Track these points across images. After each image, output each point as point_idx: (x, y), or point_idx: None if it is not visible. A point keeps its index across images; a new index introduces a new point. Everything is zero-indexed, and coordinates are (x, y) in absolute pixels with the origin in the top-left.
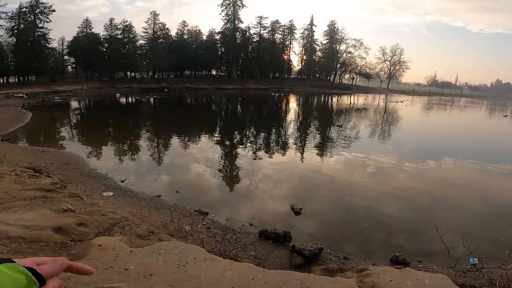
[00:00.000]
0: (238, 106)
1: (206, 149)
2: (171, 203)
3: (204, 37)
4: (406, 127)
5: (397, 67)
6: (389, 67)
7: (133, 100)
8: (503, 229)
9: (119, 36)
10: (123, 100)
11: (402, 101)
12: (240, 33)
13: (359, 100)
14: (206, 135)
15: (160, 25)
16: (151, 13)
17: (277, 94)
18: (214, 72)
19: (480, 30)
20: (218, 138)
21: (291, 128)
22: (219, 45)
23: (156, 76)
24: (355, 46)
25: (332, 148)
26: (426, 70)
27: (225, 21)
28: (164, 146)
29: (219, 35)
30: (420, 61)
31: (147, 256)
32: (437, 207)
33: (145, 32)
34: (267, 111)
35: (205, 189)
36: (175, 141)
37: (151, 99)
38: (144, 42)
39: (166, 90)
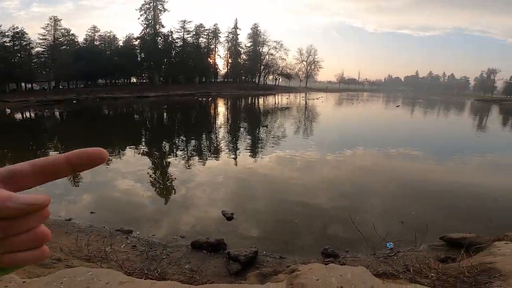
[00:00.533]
0: (164, 114)
1: (132, 162)
2: (85, 225)
3: (121, 43)
4: (324, 122)
5: (313, 67)
6: (306, 67)
7: (31, 115)
8: (412, 209)
9: (8, 44)
10: (18, 116)
11: (318, 98)
12: (162, 38)
13: (282, 99)
14: (131, 148)
15: (63, 30)
16: (50, 18)
17: (204, 99)
18: (134, 80)
19: (375, 30)
20: (145, 149)
21: (221, 133)
22: (138, 51)
23: (60, 87)
24: (276, 48)
25: (262, 148)
26: (336, 69)
27: (145, 25)
28: None
29: (138, 40)
30: (331, 60)
31: (44, 286)
32: (357, 194)
33: (42, 39)
34: (196, 117)
35: (128, 205)
36: None
37: (56, 113)
38: (42, 49)
39: (74, 101)
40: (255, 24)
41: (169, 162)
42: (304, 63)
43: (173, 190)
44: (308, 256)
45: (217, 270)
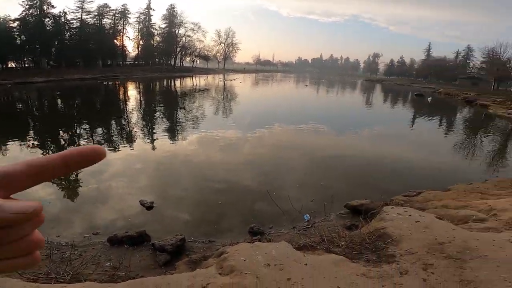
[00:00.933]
0: (58, 101)
1: (22, 157)
2: None
3: None
4: (242, 102)
5: (231, 49)
6: (224, 48)
7: None
8: (322, 181)
9: None
10: None
11: (235, 79)
12: (51, 19)
13: (200, 81)
14: (17, 142)
15: None
16: None
17: (111, 83)
18: (13, 65)
19: (288, 14)
20: (37, 142)
21: (134, 117)
22: (17, 33)
23: None
24: (193, 29)
25: (181, 131)
26: (253, 51)
27: (27, 6)
28: None
29: (17, 22)
30: (248, 42)
31: None
32: (275, 170)
33: None
34: (102, 102)
35: None
36: None
37: None
38: None
39: None
40: (171, 5)
41: None
42: (222, 45)
43: (80, 184)
44: (237, 237)
45: (144, 263)
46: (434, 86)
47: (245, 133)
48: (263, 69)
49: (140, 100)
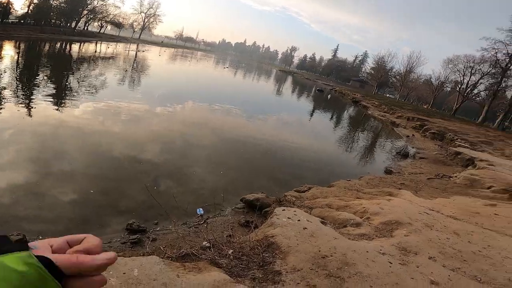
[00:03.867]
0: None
1: None
2: None
3: None
4: (154, 75)
5: (151, 20)
6: (143, 18)
7: None
8: (225, 167)
9: None
10: None
11: (149, 50)
12: None
13: (107, 49)
14: None
15: None
16: None
17: None
18: None
19: None
20: None
21: (6, 80)
22: None
23: None
24: None
25: (69, 99)
26: (176, 26)
27: None
28: None
29: None
30: (172, 16)
31: None
32: (177, 150)
33: None
34: None
35: None
36: None
37: None
38: None
39: None
40: None
41: None
42: (143, 14)
43: None
44: (110, 235)
45: None
46: (333, 84)
47: (155, 107)
48: (184, 45)
49: (17, 60)
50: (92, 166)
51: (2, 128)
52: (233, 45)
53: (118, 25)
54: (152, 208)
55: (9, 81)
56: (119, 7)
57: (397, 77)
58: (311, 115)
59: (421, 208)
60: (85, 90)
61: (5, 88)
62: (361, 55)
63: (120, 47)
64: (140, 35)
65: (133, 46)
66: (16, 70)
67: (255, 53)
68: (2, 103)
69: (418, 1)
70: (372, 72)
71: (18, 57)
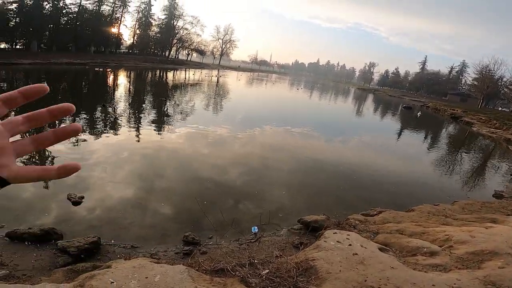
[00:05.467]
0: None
1: None
2: None
3: None
4: (234, 100)
5: (228, 45)
6: (221, 45)
7: None
8: (290, 189)
9: None
10: None
11: (225, 76)
12: (50, 3)
13: (194, 75)
14: None
15: None
16: None
17: (101, 69)
18: (5, 46)
19: (291, 17)
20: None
21: (122, 105)
22: (12, 15)
23: None
24: (192, 23)
25: (168, 124)
26: (251, 50)
27: None
28: None
29: (15, 4)
30: (247, 41)
31: None
32: (249, 171)
33: None
34: (89, 88)
35: None
36: None
37: None
38: None
39: None
40: None
41: None
42: (220, 41)
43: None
44: (168, 244)
45: (39, 264)
46: (424, 99)
47: (231, 131)
48: (259, 68)
49: (129, 89)
50: (173, 183)
51: (119, 150)
52: (307, 65)
53: (201, 52)
54: (213, 224)
55: (124, 107)
56: (200, 35)
57: (511, 87)
58: (398, 135)
59: None
60: (179, 115)
61: (121, 115)
62: (458, 66)
63: (203, 74)
64: (219, 61)
65: (214, 72)
66: (128, 97)
67: (329, 72)
68: (120, 127)
69: None
70: (476, 83)
71: (129, 86)
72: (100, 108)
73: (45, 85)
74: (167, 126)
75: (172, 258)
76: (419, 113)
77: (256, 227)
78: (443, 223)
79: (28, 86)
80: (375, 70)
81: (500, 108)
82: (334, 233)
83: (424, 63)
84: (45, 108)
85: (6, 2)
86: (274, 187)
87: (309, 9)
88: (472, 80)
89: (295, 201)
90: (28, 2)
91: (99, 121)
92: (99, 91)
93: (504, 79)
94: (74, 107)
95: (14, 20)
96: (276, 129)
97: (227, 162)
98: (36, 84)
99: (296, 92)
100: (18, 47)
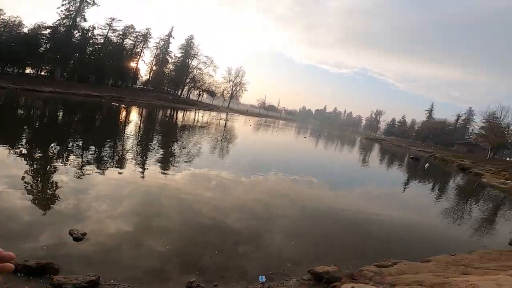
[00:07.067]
0: (60, 114)
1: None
2: None
3: (25, 30)
4: (240, 145)
5: (238, 88)
6: (231, 87)
7: None
8: (298, 238)
9: None
10: None
11: (233, 120)
12: (79, 32)
13: (204, 117)
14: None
15: None
16: None
17: (116, 104)
18: (30, 71)
19: (300, 61)
20: (23, 151)
21: (130, 143)
22: (45, 40)
23: None
24: (205, 63)
25: (174, 164)
26: (259, 93)
27: (63, 16)
28: None
29: (49, 30)
30: (256, 84)
31: None
32: (255, 218)
33: None
34: (102, 123)
35: None
36: None
37: None
38: None
39: None
40: (190, 35)
41: (55, 168)
42: (231, 83)
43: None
44: None
45: None
46: (431, 150)
47: (236, 176)
48: (266, 114)
49: (140, 126)
50: (177, 225)
51: (123, 185)
52: (313, 112)
53: (211, 93)
54: (218, 270)
55: (132, 144)
56: (212, 76)
57: None
58: (405, 186)
59: None
60: (185, 157)
61: (129, 151)
62: (465, 113)
63: (212, 116)
64: (229, 103)
65: (223, 115)
66: (138, 135)
67: (336, 120)
68: (126, 164)
69: None
70: (483, 132)
71: (140, 123)
72: (109, 143)
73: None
74: (173, 167)
75: None
76: (427, 165)
77: (263, 276)
78: (463, 272)
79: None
80: (382, 118)
81: (508, 159)
82: (352, 286)
83: (430, 111)
84: None
85: (41, 26)
86: (280, 234)
87: (316, 53)
88: (479, 129)
89: (303, 250)
90: (61, 29)
91: (107, 157)
92: (110, 128)
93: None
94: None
95: (45, 45)
96: (282, 176)
97: (232, 207)
98: (6, 253)
99: (303, 140)
100: (42, 73)
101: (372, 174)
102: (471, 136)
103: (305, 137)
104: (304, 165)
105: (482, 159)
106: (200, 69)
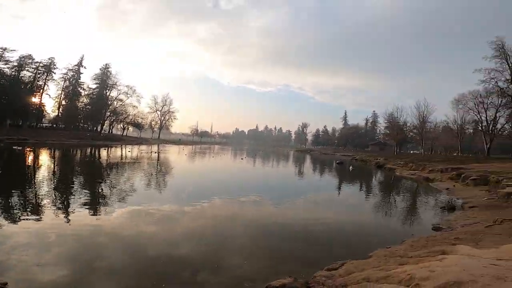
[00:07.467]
0: None
1: None
2: None
3: None
4: (178, 176)
5: (167, 117)
6: (159, 116)
7: None
8: (249, 257)
9: None
10: None
11: (166, 151)
12: None
13: (132, 152)
14: None
15: None
16: None
17: (19, 148)
18: None
19: (228, 83)
20: None
21: (45, 189)
22: None
23: None
24: (127, 93)
25: (105, 205)
26: (191, 121)
27: None
28: None
29: None
30: (186, 111)
31: None
32: (202, 242)
33: None
34: (2, 169)
35: None
36: None
37: None
38: None
39: None
40: (106, 64)
41: None
42: (158, 112)
43: None
44: None
45: None
46: (351, 153)
47: (178, 206)
48: (200, 140)
49: (54, 171)
50: (124, 264)
51: (45, 233)
52: (247, 132)
53: (138, 126)
54: None
55: (48, 190)
56: (137, 106)
57: (414, 130)
58: (338, 189)
59: (486, 260)
60: (117, 196)
61: (44, 198)
62: (371, 116)
63: (142, 149)
64: (159, 135)
65: (154, 147)
66: (54, 179)
67: (268, 137)
68: (44, 211)
69: (406, 51)
70: (388, 131)
71: (54, 166)
72: (18, 192)
73: None
74: (104, 208)
75: None
76: (350, 167)
77: None
78: (400, 263)
79: None
80: (308, 130)
81: (411, 152)
82: None
83: (345, 118)
84: None
85: None
86: (233, 256)
87: (242, 75)
88: (384, 128)
89: (258, 266)
90: None
91: (17, 207)
92: (15, 175)
93: (408, 124)
94: None
95: None
96: (227, 199)
97: (181, 237)
98: None
99: (240, 162)
100: None
101: (309, 184)
102: (380, 136)
103: (242, 159)
104: (246, 186)
105: (392, 155)
106: (121, 100)
